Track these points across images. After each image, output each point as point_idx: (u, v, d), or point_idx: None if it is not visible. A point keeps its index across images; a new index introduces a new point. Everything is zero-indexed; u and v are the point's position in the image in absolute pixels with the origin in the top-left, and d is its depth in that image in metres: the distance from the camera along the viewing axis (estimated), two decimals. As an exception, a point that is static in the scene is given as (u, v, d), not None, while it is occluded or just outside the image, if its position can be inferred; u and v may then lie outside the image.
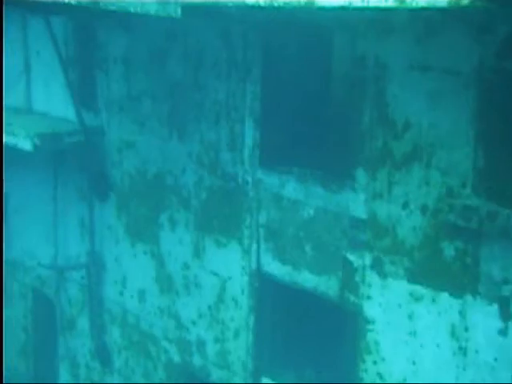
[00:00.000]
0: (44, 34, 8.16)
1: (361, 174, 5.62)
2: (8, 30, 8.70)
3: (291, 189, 6.22)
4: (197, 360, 7.46)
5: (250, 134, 6.49)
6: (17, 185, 9.93)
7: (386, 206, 5.50)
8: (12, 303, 10.43)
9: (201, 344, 7.38)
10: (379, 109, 5.42)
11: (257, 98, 6.36)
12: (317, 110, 6.50)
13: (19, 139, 7.80)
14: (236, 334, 6.96)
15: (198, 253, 7.27)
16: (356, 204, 5.71)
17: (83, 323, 9.09)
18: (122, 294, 8.41)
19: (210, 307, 7.23)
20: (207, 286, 7.23)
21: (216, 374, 7.25)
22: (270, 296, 6.73)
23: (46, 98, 8.84)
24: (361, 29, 5.40)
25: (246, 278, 6.79)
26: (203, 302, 7.30)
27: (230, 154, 6.70)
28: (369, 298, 5.73)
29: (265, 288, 6.68)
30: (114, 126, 7.98)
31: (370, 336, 5.74)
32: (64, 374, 9.55)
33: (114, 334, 8.61)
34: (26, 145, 7.71)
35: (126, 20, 6.82)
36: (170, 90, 7.19)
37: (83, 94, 8.18)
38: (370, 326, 5.74)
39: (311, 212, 6.09)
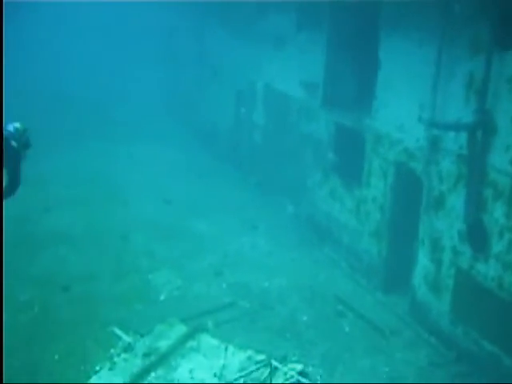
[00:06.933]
0: None
1: None
2: None
3: None
4: None
5: None
6: (391, 51, 9.05)
7: None
8: (369, 182, 9.73)
9: None
10: None
11: None
12: None
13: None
14: None
15: None
16: None
17: (454, 200, 7.85)
18: (514, 162, 6.92)
19: None
20: None
21: None
22: None
23: None
24: None
25: None
26: None
27: None
28: None
29: None
30: None
31: None
32: (422, 259, 8.50)
33: (497, 212, 7.17)
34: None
35: None
36: None
37: None
38: None
39: None
